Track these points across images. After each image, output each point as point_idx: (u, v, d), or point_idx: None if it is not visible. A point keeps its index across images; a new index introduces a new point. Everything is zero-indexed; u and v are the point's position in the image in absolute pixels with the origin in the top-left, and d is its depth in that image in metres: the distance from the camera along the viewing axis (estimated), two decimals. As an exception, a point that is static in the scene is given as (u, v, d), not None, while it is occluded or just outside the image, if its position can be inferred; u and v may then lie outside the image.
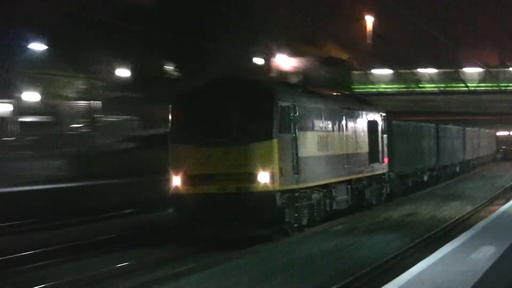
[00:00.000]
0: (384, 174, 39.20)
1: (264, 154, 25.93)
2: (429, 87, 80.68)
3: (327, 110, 31.53)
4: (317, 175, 29.51)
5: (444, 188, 53.78)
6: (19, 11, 49.58)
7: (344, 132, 33.32)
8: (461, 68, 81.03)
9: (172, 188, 26.30)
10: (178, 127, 26.98)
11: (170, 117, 27.27)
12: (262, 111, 26.44)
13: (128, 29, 53.53)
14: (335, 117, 32.36)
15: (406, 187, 46.34)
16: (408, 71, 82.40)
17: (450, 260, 16.95)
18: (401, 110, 74.96)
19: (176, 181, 26.12)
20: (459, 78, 79.98)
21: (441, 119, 70.14)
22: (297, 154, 27.44)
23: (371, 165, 36.79)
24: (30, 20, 49.41)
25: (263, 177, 25.52)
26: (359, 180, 34.95)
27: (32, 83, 53.02)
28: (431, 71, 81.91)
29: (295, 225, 27.57)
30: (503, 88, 78.30)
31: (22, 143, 51.05)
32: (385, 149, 39.24)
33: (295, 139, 27.52)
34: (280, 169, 26.01)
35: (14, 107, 51.66)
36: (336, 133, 32.22)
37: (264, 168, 25.60)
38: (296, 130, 27.67)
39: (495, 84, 78.38)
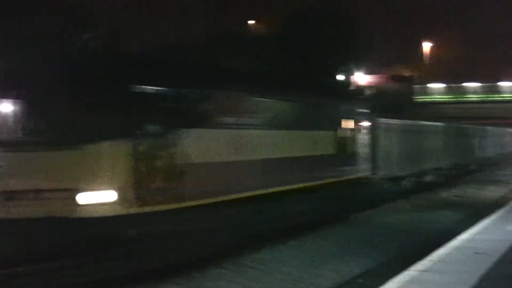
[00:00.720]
0: (365, 178, 26.31)
1: (103, 162, 13.61)
2: (473, 97, 79.52)
3: (250, 101, 18.41)
4: (227, 187, 16.74)
5: (486, 174, 51.88)
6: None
7: (289, 131, 20.32)
8: (498, 82, 79.86)
9: None
10: None
11: None
12: (103, 98, 13.90)
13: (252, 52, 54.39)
14: (270, 111, 19.25)
15: (404, 190, 32.60)
16: (457, 85, 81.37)
17: (490, 230, 16.92)
18: (451, 115, 74.30)
19: None
20: (496, 90, 78.73)
21: (482, 122, 69.18)
22: (178, 160, 14.93)
23: (341, 168, 23.90)
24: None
25: (100, 196, 13.44)
26: (320, 187, 21.99)
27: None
28: (475, 85, 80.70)
29: (181, 258, 15.06)
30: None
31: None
32: (366, 150, 26.51)
33: (173, 140, 14.92)
34: (136, 183, 13.81)
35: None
36: (271, 132, 19.15)
37: (101, 182, 13.50)
38: (178, 127, 15.10)
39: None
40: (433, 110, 76.28)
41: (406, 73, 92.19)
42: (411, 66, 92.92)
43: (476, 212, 25.64)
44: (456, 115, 75.96)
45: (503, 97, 77.59)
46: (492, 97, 78.41)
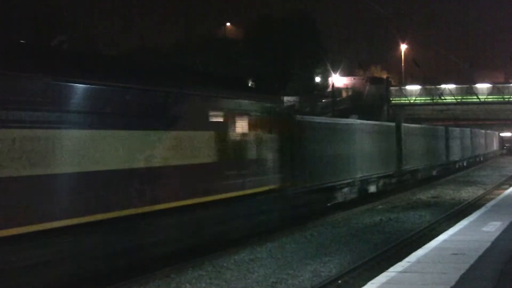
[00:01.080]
0: (271, 190, 20.16)
1: None
2: (449, 99, 79.90)
3: (56, 88, 12.27)
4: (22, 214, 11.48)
5: (464, 176, 52.11)
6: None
7: (140, 131, 14.50)
8: (474, 84, 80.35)
9: None
10: None
11: None
12: None
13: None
14: (97, 102, 13.28)
15: (330, 204, 26.27)
16: (433, 86, 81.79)
17: (467, 231, 17.02)
18: (428, 117, 74.68)
19: None
20: (472, 92, 79.22)
21: (459, 124, 69.53)
22: None
23: (234, 180, 18.08)
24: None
25: None
26: (198, 207, 16.39)
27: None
28: (451, 86, 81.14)
29: None
30: (506, 99, 77.36)
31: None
32: (276, 156, 20.43)
33: None
34: None
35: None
36: (108, 132, 13.51)
37: None
38: None
39: (501, 97, 77.53)
40: (409, 112, 76.72)
41: (383, 75, 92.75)
42: (388, 67, 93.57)
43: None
44: (433, 116, 76.39)
45: (479, 98, 78.01)
46: (469, 98, 78.79)
